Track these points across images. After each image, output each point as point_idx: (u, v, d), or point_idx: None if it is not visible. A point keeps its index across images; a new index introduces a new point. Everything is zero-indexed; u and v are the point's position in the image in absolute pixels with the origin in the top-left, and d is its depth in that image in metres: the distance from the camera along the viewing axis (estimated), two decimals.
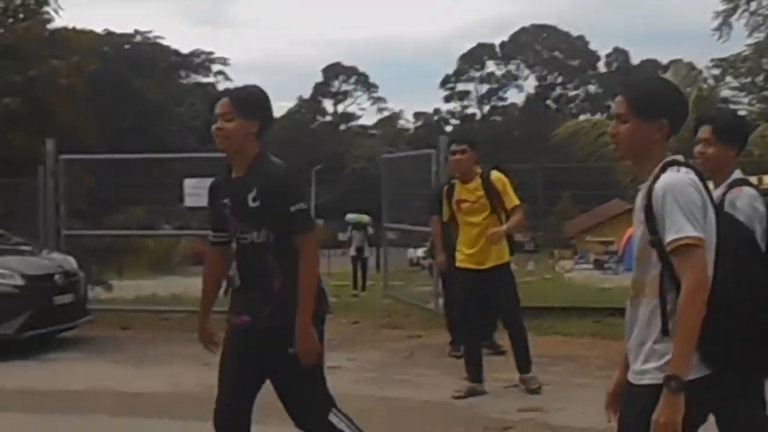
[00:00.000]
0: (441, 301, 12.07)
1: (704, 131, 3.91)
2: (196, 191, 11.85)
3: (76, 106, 15.40)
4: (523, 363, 7.24)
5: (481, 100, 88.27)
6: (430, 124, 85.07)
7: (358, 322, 11.88)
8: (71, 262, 10.75)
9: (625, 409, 2.82)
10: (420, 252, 32.82)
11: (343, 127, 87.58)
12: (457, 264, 7.13)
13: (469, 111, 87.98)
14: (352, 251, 20.15)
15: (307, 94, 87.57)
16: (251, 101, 3.95)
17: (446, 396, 7.33)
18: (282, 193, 3.81)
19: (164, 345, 10.16)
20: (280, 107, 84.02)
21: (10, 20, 14.99)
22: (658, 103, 2.82)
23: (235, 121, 3.87)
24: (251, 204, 3.84)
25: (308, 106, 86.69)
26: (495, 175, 7.04)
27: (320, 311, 4.06)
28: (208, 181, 12.69)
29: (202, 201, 12.64)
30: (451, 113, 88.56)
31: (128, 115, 52.68)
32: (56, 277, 10.12)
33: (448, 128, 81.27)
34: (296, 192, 3.88)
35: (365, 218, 20.91)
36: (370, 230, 20.58)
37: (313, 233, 3.89)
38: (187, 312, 11.24)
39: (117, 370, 8.92)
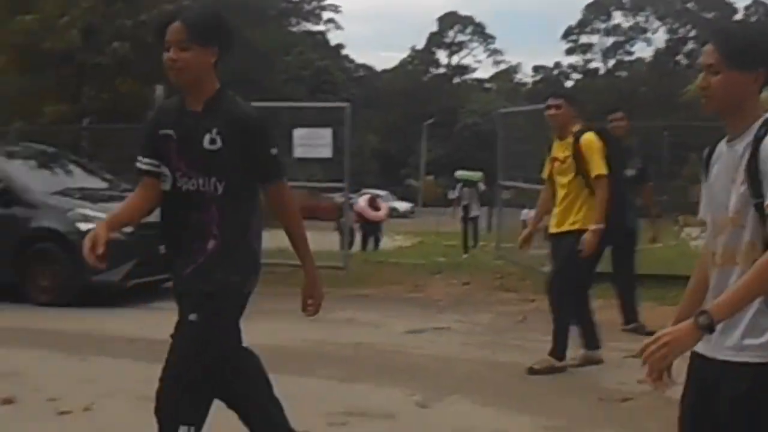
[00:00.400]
0: None
1: None
2: (305, 142, 12.07)
3: None
4: (553, 346, 6.83)
5: (606, 53, 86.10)
6: (549, 79, 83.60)
7: (468, 283, 11.89)
8: None
9: (710, 387, 2.64)
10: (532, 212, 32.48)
11: (457, 80, 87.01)
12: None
13: (593, 65, 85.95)
14: (460, 210, 20.13)
15: (420, 44, 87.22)
16: (209, 25, 3.52)
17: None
18: (254, 137, 3.47)
19: (269, 299, 10.30)
20: (392, 58, 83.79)
21: None
22: (754, 51, 2.63)
23: (191, 49, 3.48)
24: (207, 146, 3.47)
25: (421, 57, 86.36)
26: (586, 137, 6.62)
27: (244, 281, 3.60)
28: (318, 132, 12.77)
29: (313, 152, 12.77)
30: (573, 67, 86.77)
31: (237, 63, 53.60)
32: None
33: (569, 83, 79.82)
34: (271, 135, 3.56)
35: (476, 175, 20.79)
36: (482, 187, 20.41)
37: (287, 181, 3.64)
38: (293, 266, 11.40)
39: None
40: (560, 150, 6.80)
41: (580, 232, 6.61)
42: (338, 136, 12.91)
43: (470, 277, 12.40)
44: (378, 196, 22.07)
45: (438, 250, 18.18)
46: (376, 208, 20.84)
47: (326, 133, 12.41)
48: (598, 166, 6.55)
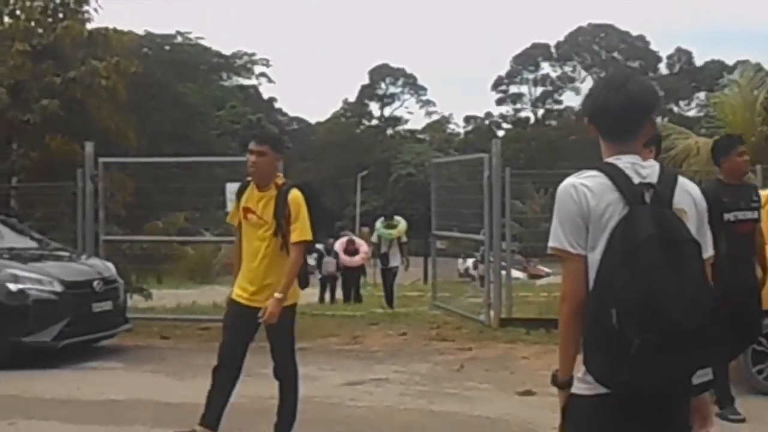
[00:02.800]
0: (492, 313, 12.11)
1: None
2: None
3: (116, 109, 15.60)
4: None
5: (536, 103, 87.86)
6: (481, 129, 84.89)
7: (405, 333, 11.92)
8: (110, 269, 10.92)
9: None
10: (470, 262, 32.70)
11: (390, 131, 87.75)
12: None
13: (523, 114, 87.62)
14: (378, 261, 18.98)
15: (353, 96, 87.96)
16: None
17: (499, 411, 7.30)
18: None
19: (204, 355, 10.25)
20: (325, 110, 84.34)
21: (50, 20, 15.19)
22: None
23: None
24: None
25: (354, 110, 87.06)
26: (297, 196, 6.04)
27: None
28: None
29: None
30: (504, 117, 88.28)
31: (168, 118, 53.30)
32: (95, 283, 10.30)
33: (501, 132, 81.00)
34: None
35: (396, 229, 18.37)
36: (404, 239, 18.85)
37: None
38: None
39: (157, 380, 9.04)
40: (257, 201, 6.14)
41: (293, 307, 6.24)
42: None
43: (407, 327, 12.43)
44: (351, 239, 20.33)
45: (375, 301, 18.20)
46: (353, 252, 19.43)
47: None
48: (306, 231, 6.03)
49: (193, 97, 60.30)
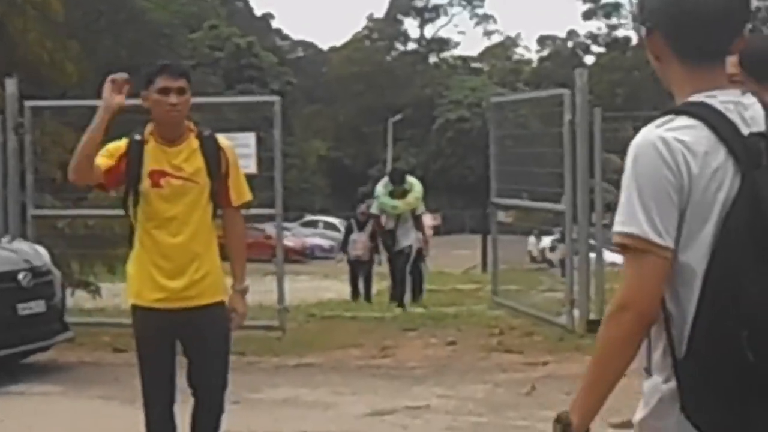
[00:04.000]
0: (576, 313, 12.08)
1: None
2: None
3: (49, 31, 15.64)
4: None
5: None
6: (561, 54, 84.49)
7: (455, 342, 11.93)
8: (42, 256, 10.95)
9: None
10: (548, 241, 32.65)
11: (433, 59, 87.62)
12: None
13: (621, 33, 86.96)
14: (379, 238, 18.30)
15: (381, 11, 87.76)
16: None
17: None
18: None
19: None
20: (342, 32, 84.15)
21: None
22: None
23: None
24: None
25: (383, 30, 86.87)
26: (224, 140, 6.24)
27: None
28: (237, 138, 12.81)
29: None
30: (593, 37, 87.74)
31: (123, 44, 53.42)
32: (20, 276, 10.32)
33: (589, 59, 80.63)
34: None
35: (413, 198, 17.17)
36: (420, 209, 17.67)
37: None
38: None
39: (108, 409, 9.09)
40: (172, 158, 6.08)
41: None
42: (266, 143, 12.89)
43: (457, 333, 12.45)
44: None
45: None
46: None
47: (249, 140, 12.39)
48: (246, 187, 6.22)
49: (157, 13, 60.37)
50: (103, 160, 5.86)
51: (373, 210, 17.97)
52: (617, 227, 2.73)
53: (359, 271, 20.00)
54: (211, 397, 6.03)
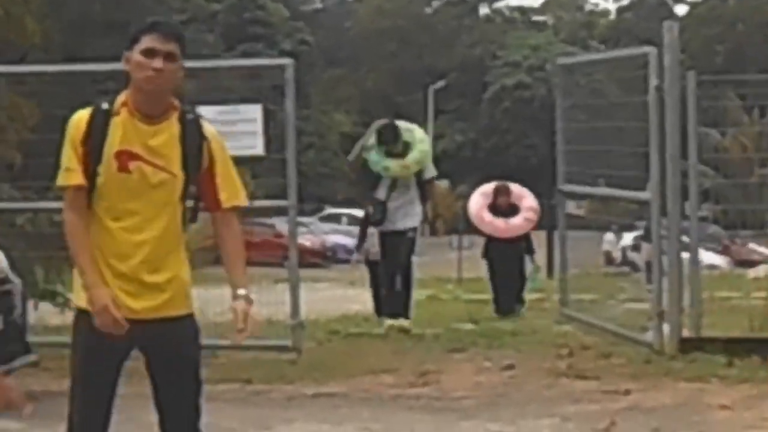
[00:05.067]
0: (667, 329, 12.05)
1: None
2: (219, 129, 12.07)
3: None
4: None
5: None
6: (644, 4, 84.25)
7: (513, 366, 11.96)
8: None
9: None
10: (630, 239, 32.62)
11: (484, 10, 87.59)
12: None
13: None
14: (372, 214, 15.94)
15: None
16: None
17: None
18: None
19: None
20: None
21: None
22: None
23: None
24: None
25: None
26: (212, 128, 6.24)
27: None
28: (240, 111, 12.91)
29: (233, 145, 12.92)
30: None
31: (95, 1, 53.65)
32: None
33: (680, 9, 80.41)
34: None
35: (410, 144, 15.29)
36: (432, 171, 15.95)
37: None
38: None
39: None
40: (146, 140, 6.08)
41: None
42: (277, 118, 12.92)
43: (516, 355, 12.51)
44: (505, 185, 19.03)
45: (459, 309, 18.20)
46: (508, 210, 18.46)
47: (254, 113, 12.42)
48: (241, 188, 6.30)
49: None
50: (73, 176, 5.92)
51: (352, 156, 16.29)
52: None
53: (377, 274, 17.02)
54: (183, 425, 6.06)
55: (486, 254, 18.80)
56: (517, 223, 18.40)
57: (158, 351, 5.94)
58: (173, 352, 5.97)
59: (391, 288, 15.20)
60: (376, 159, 15.22)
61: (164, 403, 6.01)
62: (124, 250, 5.91)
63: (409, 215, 15.38)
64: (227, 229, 6.08)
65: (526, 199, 18.75)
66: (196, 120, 6.05)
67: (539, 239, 21.92)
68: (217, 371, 10.82)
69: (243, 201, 6.12)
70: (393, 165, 15.14)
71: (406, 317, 14.86)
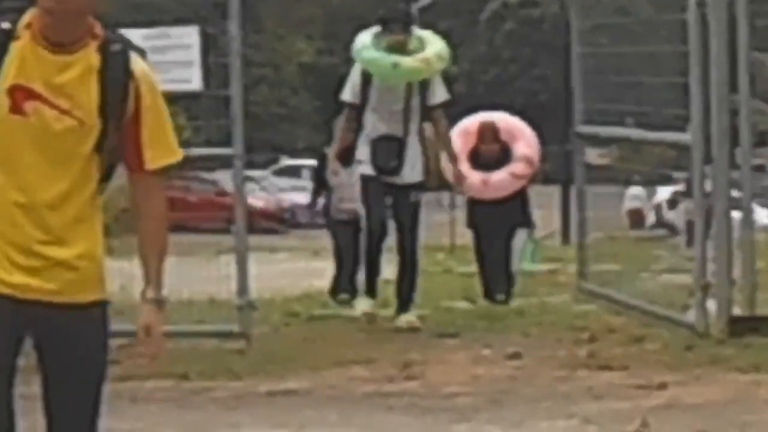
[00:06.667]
0: (712, 307, 12.08)
1: None
2: (149, 57, 12.06)
3: None
4: None
5: None
6: None
7: (519, 355, 12.03)
8: None
9: None
10: (666, 193, 32.67)
11: None
12: None
13: None
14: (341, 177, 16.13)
15: None
16: None
17: None
18: None
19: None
20: None
21: None
22: None
23: None
24: None
25: None
26: (142, 65, 5.94)
27: None
28: (173, 35, 13.03)
29: (165, 79, 13.05)
30: None
31: None
32: None
33: None
34: None
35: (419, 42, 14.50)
36: (441, 95, 15.18)
37: None
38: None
39: None
40: (51, 74, 5.82)
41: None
42: (219, 44, 12.93)
43: (524, 341, 12.59)
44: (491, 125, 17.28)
45: (452, 283, 18.28)
46: (495, 158, 17.04)
47: (189, 38, 12.44)
48: (174, 142, 5.97)
49: None
50: None
51: (346, 95, 14.83)
52: None
53: (348, 241, 17.17)
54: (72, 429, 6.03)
55: (470, 221, 17.59)
56: (499, 179, 16.59)
57: (53, 345, 5.74)
58: (72, 350, 5.77)
59: (374, 262, 14.18)
60: (375, 56, 14.13)
61: (52, 411, 5.86)
62: (16, 214, 5.71)
63: (415, 162, 14.18)
64: (147, 198, 5.80)
65: (520, 143, 16.97)
66: (123, 52, 5.74)
67: (551, 197, 21.90)
68: (146, 365, 10.81)
69: (173, 159, 5.82)
70: (406, 61, 13.94)
71: (406, 309, 13.82)
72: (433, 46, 14.25)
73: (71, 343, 5.75)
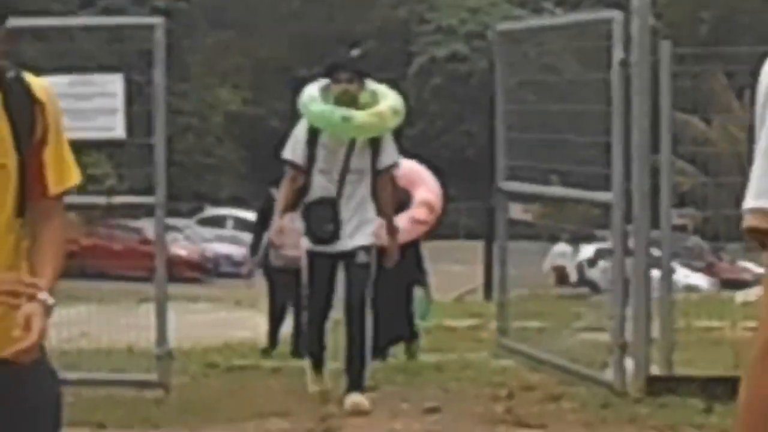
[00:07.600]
0: (631, 366, 12.13)
1: None
2: (72, 105, 12.01)
3: None
4: None
5: None
6: None
7: (437, 409, 12.05)
8: None
9: None
10: (588, 251, 32.83)
11: None
12: None
13: None
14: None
15: None
16: None
17: None
18: None
19: None
20: None
21: None
22: None
23: None
24: None
25: None
26: (43, 85, 5.61)
27: None
28: (97, 82, 12.93)
29: (89, 127, 12.89)
30: None
31: None
32: None
33: None
34: None
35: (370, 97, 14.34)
36: (391, 155, 15.11)
37: None
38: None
39: None
40: None
41: None
42: (143, 92, 12.91)
43: (442, 396, 12.58)
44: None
45: None
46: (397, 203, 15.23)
47: (113, 86, 12.42)
48: (74, 166, 5.74)
49: None
50: None
51: (287, 152, 13.47)
52: (751, 201, 2.96)
53: (285, 290, 17.25)
54: None
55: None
56: (399, 224, 14.52)
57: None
58: (17, 408, 5.33)
59: (319, 337, 13.17)
60: (323, 109, 13.11)
61: None
62: None
63: (363, 225, 13.26)
64: (48, 221, 5.39)
65: (421, 188, 15.94)
66: (19, 78, 5.38)
67: (474, 252, 21.90)
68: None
69: (74, 178, 5.46)
70: (358, 115, 13.04)
71: (357, 388, 12.66)
72: (387, 99, 13.39)
73: (15, 405, 5.40)
